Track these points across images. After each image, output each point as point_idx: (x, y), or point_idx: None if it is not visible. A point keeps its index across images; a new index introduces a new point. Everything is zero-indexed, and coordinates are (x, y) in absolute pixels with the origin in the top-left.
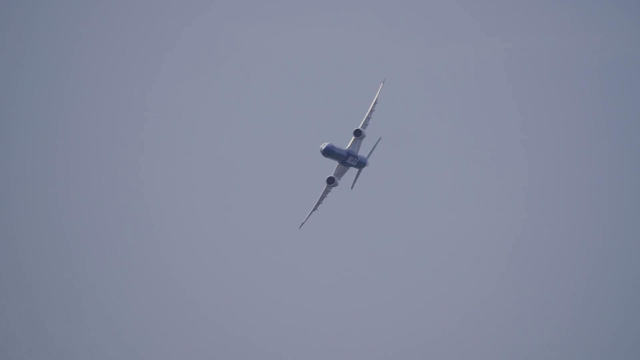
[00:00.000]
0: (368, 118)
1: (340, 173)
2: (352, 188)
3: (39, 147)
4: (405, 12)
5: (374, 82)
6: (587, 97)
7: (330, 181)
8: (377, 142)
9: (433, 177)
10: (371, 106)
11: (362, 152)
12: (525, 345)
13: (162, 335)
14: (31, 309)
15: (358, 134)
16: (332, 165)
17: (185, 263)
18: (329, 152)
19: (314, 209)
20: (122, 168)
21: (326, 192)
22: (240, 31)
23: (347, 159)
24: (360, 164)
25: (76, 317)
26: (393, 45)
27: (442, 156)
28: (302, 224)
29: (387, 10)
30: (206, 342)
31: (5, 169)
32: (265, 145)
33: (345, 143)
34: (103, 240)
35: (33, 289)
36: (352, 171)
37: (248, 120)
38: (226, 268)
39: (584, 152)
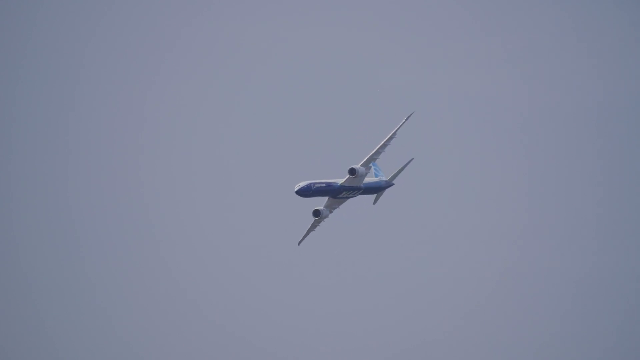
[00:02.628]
0: (378, 152)
1: (333, 204)
2: (374, 204)
3: (39, 147)
4: (407, 13)
5: (375, 82)
6: (591, 95)
7: (316, 214)
8: (407, 163)
9: (433, 178)
10: (385, 140)
11: (386, 169)
12: (526, 345)
13: (162, 335)
14: (31, 309)
15: (353, 173)
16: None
17: (186, 263)
18: (305, 194)
19: (309, 232)
20: (122, 168)
21: (314, 225)
22: (240, 31)
23: (341, 194)
24: (373, 190)
25: (76, 317)
26: (395, 47)
27: (444, 158)
28: (300, 242)
29: (390, 10)
30: (206, 342)
31: (5, 169)
32: (266, 145)
33: (350, 153)
34: (103, 240)
35: (33, 289)
36: (359, 199)
37: (248, 121)
38: (226, 268)
39: (588, 153)
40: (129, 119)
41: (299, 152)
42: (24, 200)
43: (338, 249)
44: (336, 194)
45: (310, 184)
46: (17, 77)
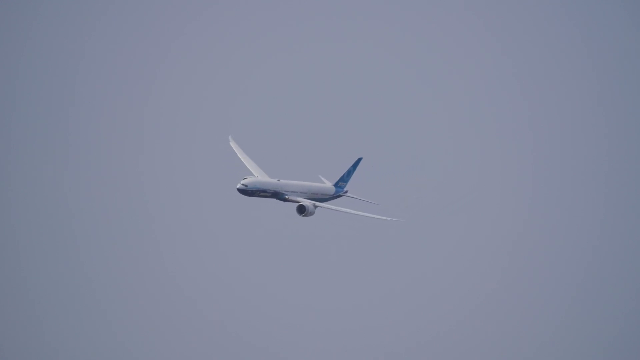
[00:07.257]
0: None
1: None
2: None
3: (39, 146)
4: (409, 17)
5: (373, 83)
6: (594, 94)
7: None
8: (358, 198)
9: (433, 177)
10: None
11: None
12: (527, 345)
13: (162, 335)
14: (31, 309)
15: (302, 211)
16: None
17: (185, 263)
18: (248, 194)
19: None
20: (122, 168)
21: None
22: (240, 31)
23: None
24: (320, 199)
25: (75, 317)
26: (396, 49)
27: (445, 158)
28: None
29: (391, 17)
30: (206, 342)
31: (5, 169)
32: (266, 144)
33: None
34: (103, 240)
35: (33, 289)
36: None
37: (248, 120)
38: (227, 267)
39: (590, 153)
40: (129, 119)
41: (299, 151)
42: (24, 200)
43: (335, 246)
44: (281, 199)
45: (256, 188)
46: (17, 77)
